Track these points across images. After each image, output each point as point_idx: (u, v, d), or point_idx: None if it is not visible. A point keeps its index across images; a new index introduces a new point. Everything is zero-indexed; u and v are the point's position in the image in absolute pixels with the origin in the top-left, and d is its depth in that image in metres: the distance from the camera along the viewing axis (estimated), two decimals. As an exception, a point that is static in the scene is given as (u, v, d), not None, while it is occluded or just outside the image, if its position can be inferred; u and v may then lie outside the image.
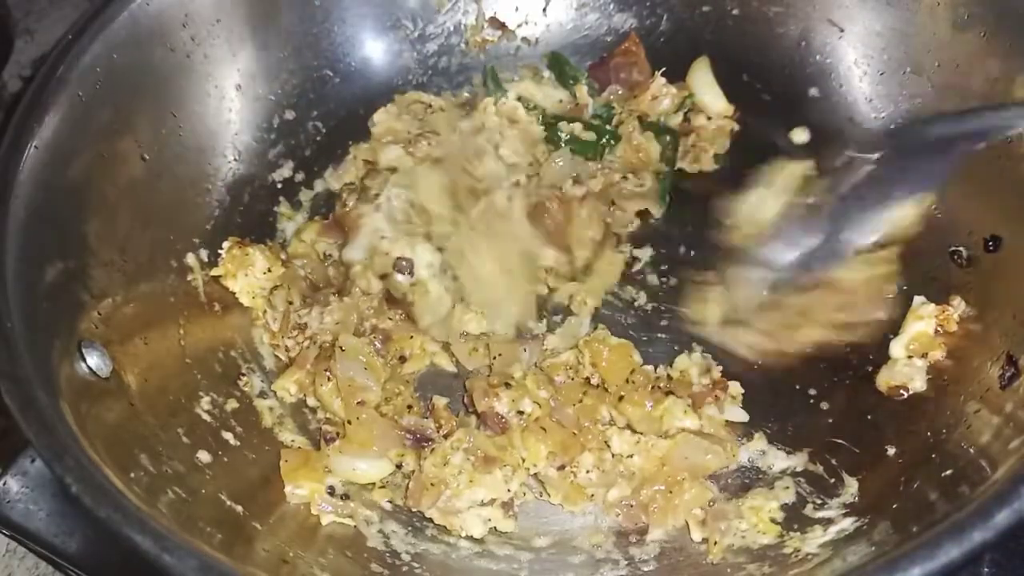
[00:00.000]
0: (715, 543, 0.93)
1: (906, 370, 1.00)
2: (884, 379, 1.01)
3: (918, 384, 0.99)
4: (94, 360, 0.91)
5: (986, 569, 0.93)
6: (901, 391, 1.00)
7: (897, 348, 1.01)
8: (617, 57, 1.31)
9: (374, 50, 1.32)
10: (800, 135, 1.23)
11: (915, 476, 0.90)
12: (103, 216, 1.03)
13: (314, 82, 1.29)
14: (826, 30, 1.23)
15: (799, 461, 0.99)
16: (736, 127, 1.26)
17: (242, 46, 1.20)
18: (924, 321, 1.01)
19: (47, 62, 1.03)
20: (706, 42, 1.30)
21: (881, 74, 1.20)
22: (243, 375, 1.09)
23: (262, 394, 1.08)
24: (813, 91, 1.25)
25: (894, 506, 0.88)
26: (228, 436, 1.02)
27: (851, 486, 0.95)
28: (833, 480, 0.97)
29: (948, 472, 0.86)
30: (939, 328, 1.01)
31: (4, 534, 1.04)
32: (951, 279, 1.04)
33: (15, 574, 1.05)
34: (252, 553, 0.87)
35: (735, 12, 1.29)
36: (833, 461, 0.98)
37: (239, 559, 0.82)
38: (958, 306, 1.01)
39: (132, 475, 0.82)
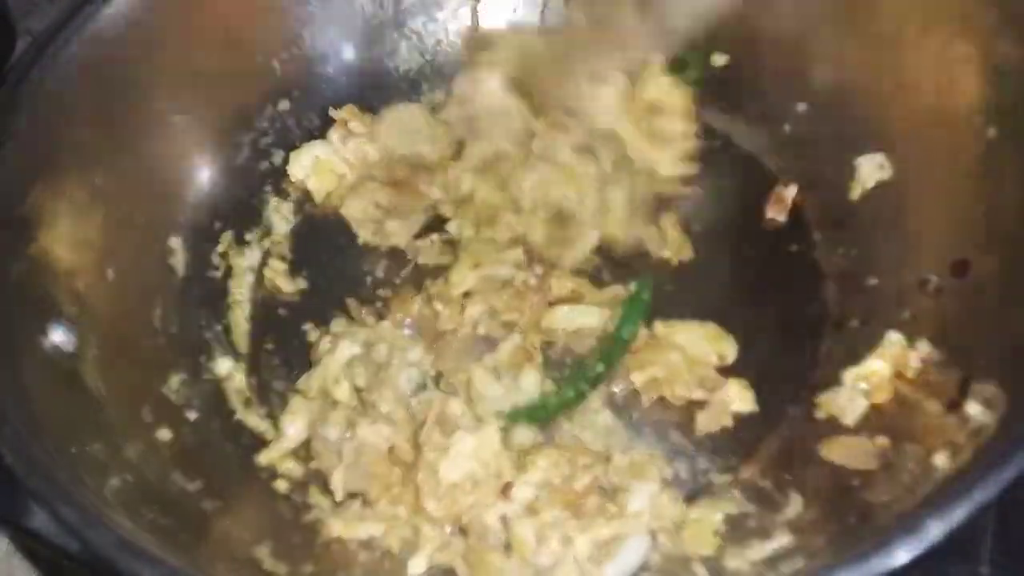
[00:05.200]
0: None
1: (846, 403, 0.97)
2: (825, 401, 0.99)
3: (848, 421, 0.97)
4: (59, 335, 0.94)
5: (985, 569, 0.90)
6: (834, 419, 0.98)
7: (848, 376, 0.98)
8: None
9: (371, 44, 1.33)
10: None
11: (855, 500, 0.90)
12: (86, 197, 1.06)
13: (309, 74, 1.30)
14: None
15: (748, 474, 0.99)
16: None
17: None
18: (883, 362, 0.98)
19: (39, 37, 1.07)
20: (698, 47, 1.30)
21: (869, 94, 1.19)
22: (214, 356, 1.11)
23: (230, 376, 1.11)
24: (802, 107, 1.25)
25: (831, 527, 0.88)
26: (192, 415, 1.04)
27: (795, 503, 0.94)
28: (779, 496, 0.96)
29: (884, 498, 0.87)
30: (898, 372, 0.97)
31: (4, 534, 1.05)
32: (920, 311, 1.02)
33: (16, 574, 1.05)
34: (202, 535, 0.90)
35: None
36: (784, 476, 0.98)
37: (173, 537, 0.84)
38: (922, 349, 0.97)
39: (81, 450, 0.85)
